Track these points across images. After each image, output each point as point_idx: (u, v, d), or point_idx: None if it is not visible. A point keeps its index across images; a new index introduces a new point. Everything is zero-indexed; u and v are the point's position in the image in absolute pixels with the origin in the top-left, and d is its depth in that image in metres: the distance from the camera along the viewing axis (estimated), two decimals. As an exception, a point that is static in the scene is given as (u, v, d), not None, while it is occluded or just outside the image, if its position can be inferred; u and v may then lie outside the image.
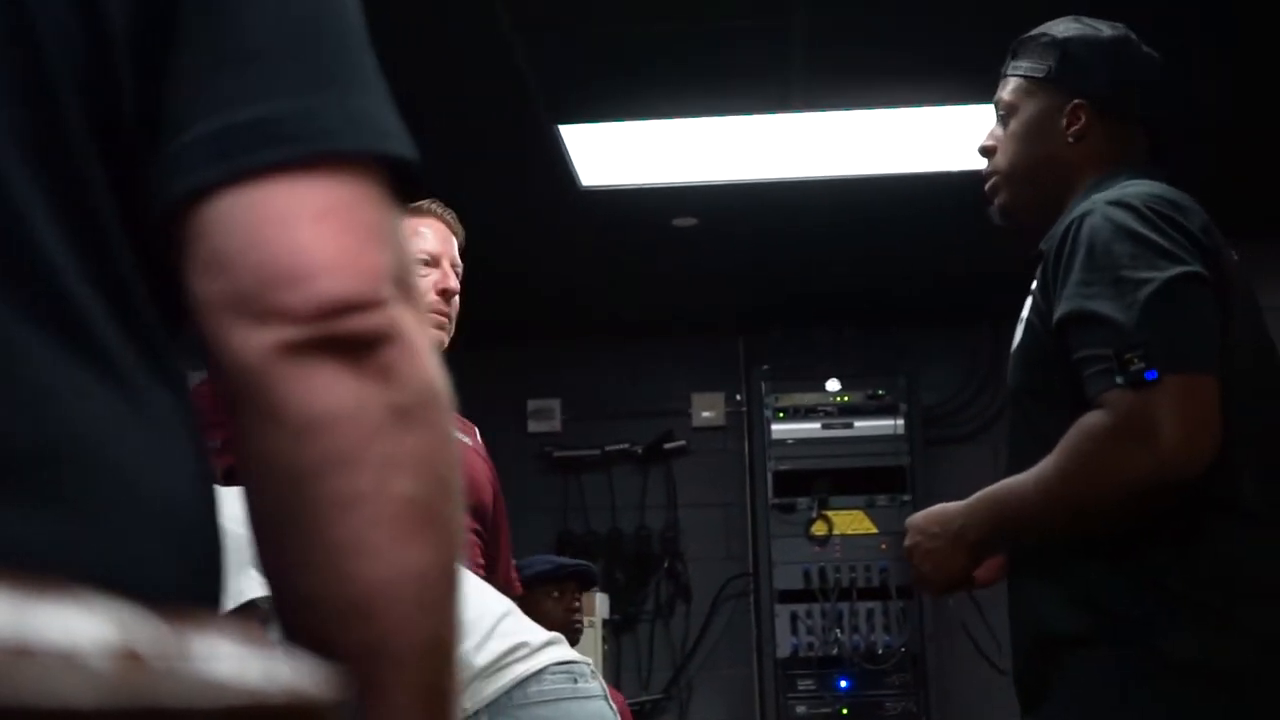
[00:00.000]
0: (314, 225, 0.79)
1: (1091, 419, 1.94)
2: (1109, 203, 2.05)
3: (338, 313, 0.78)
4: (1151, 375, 1.89)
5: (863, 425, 6.13)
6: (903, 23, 3.76)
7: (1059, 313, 2.02)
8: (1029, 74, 2.29)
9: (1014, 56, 2.33)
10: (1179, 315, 1.94)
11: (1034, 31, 2.32)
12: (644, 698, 6.21)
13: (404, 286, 0.81)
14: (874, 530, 6.02)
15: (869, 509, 6.01)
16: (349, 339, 0.78)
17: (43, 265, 0.76)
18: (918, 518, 2.21)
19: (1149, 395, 1.89)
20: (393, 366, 0.79)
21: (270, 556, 0.81)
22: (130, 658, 0.39)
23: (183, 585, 0.75)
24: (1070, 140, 2.24)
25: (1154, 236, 1.99)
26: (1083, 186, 2.20)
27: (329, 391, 0.78)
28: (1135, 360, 1.90)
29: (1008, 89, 2.32)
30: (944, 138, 4.39)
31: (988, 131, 2.36)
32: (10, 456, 0.70)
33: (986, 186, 2.35)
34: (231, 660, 0.41)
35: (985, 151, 2.35)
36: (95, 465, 0.74)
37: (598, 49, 3.86)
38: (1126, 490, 1.92)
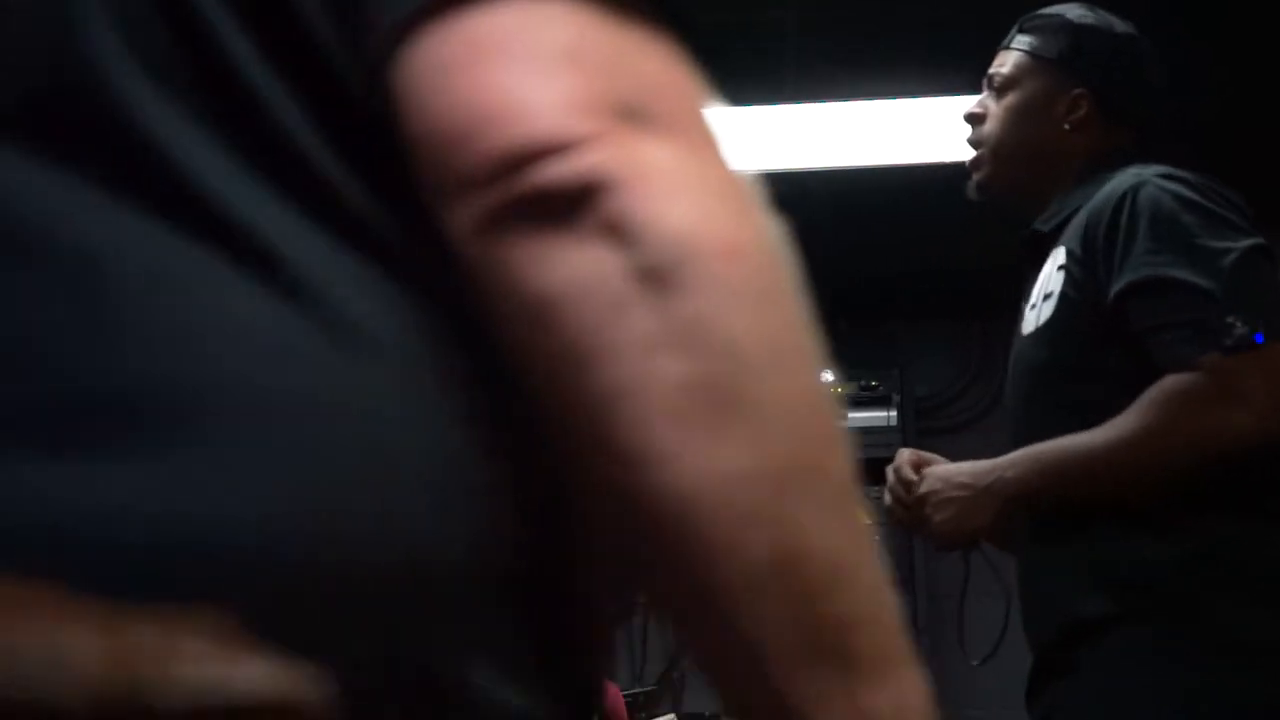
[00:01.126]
0: (473, 70, 0.62)
1: (1184, 381, 1.91)
2: (1161, 175, 2.04)
3: (519, 165, 0.60)
4: (1260, 338, 1.88)
5: (856, 416, 6.14)
6: (894, 13, 3.76)
7: (1122, 282, 1.98)
8: (1036, 52, 2.26)
9: (1021, 31, 2.30)
10: (1262, 284, 1.95)
11: (1047, 11, 2.29)
12: (637, 689, 6.21)
13: (639, 115, 0.63)
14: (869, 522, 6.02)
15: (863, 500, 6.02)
16: (545, 195, 0.60)
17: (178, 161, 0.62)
18: (939, 471, 2.17)
19: (1248, 359, 1.88)
20: (624, 218, 0.60)
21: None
22: (118, 659, 0.39)
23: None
24: (1066, 128, 2.22)
25: (1217, 208, 2.00)
26: (1072, 173, 2.19)
27: (543, 266, 0.60)
28: (1237, 324, 1.89)
29: (1009, 62, 2.29)
30: (937, 129, 4.39)
31: (977, 99, 2.33)
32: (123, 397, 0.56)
33: (969, 160, 2.32)
34: (219, 662, 0.41)
35: (973, 119, 2.32)
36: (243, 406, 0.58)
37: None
38: (1225, 452, 1.90)
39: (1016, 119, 2.26)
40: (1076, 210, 2.12)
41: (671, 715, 5.66)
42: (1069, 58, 2.23)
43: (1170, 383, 1.93)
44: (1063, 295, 2.10)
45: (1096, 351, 2.04)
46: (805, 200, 5.04)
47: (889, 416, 6.11)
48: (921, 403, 6.30)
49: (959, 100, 4.18)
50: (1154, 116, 2.27)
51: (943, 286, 5.99)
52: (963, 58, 3.74)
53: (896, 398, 6.17)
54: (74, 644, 0.39)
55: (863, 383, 6.19)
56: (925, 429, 6.25)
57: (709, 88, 0.66)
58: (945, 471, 2.16)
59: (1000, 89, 2.29)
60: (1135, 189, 2.03)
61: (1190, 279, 1.92)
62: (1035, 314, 2.16)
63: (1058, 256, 2.13)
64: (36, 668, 0.38)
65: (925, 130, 4.44)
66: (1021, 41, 2.28)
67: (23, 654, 0.38)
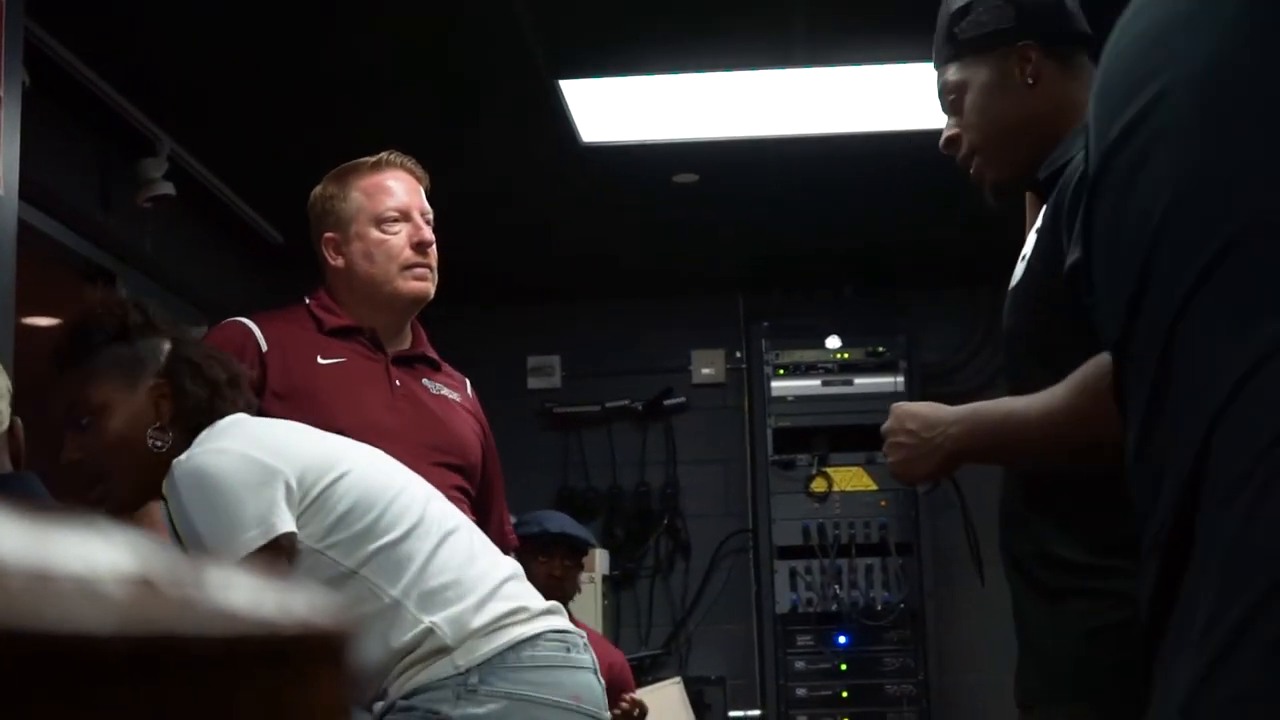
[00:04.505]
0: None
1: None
2: None
3: None
4: None
5: (862, 382, 6.14)
6: (905, -23, 3.74)
7: (1075, 255, 1.97)
8: (964, 56, 2.24)
9: (947, 42, 2.29)
10: None
11: (944, 15, 2.28)
12: (643, 653, 6.24)
13: None
14: (873, 487, 6.03)
15: (868, 466, 6.02)
16: None
17: None
18: (905, 409, 2.18)
19: None
20: None
21: None
22: (145, 585, 0.39)
23: None
24: (1030, 83, 2.18)
25: None
26: (1065, 129, 2.14)
27: None
28: None
29: (950, 71, 2.28)
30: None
31: (943, 133, 2.32)
32: None
33: (971, 174, 2.30)
34: (245, 591, 0.42)
35: (950, 143, 2.30)
36: None
37: (599, 4, 3.84)
38: None
39: (986, 110, 2.24)
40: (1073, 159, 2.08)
41: (677, 679, 5.68)
42: (1001, 29, 2.20)
43: (1103, 361, 1.89)
44: (1030, 261, 2.09)
45: (1050, 322, 2.03)
46: (815, 166, 5.03)
47: (896, 382, 6.11)
48: (929, 369, 6.29)
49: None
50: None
51: (951, 253, 5.98)
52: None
53: (903, 363, 6.16)
54: (107, 572, 0.39)
55: (870, 348, 6.18)
56: (932, 395, 6.22)
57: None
58: (903, 411, 2.16)
59: (956, 100, 2.27)
60: None
61: None
62: (1015, 272, 2.16)
63: (1043, 214, 2.11)
64: (68, 597, 0.38)
65: (933, 96, 4.42)
66: (949, 50, 2.26)
67: (55, 583, 0.38)
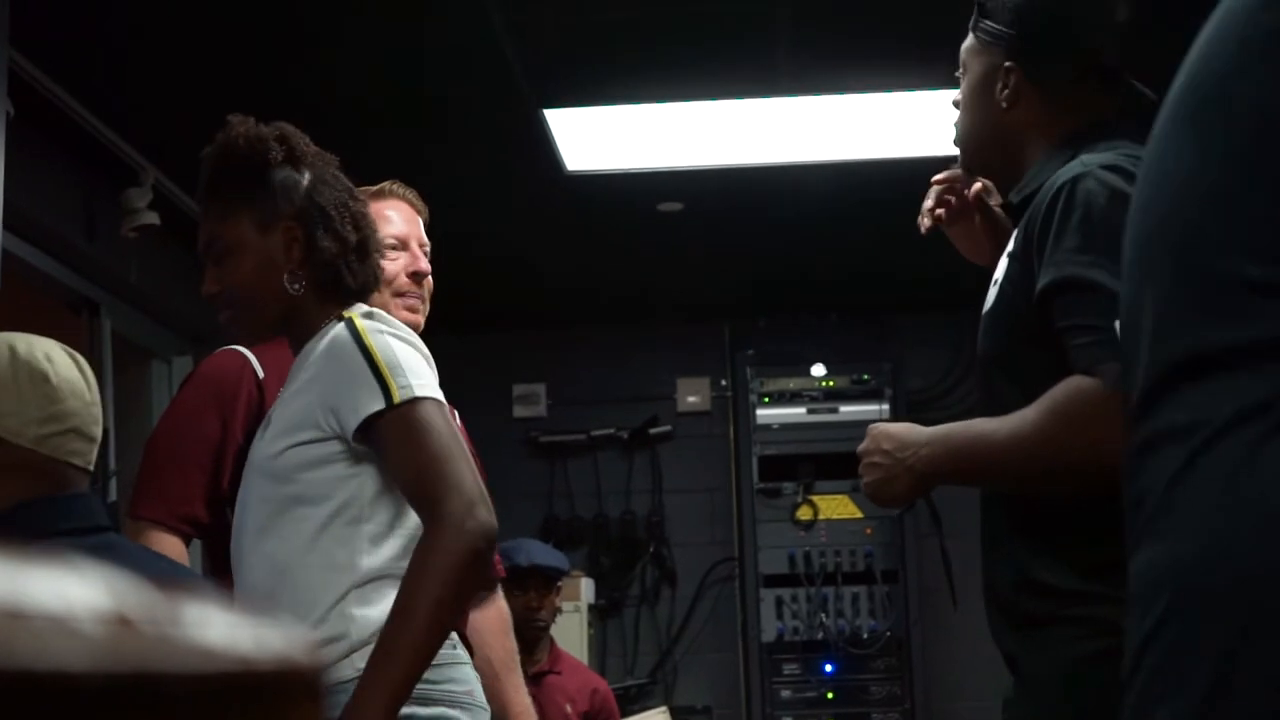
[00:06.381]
0: None
1: (1085, 384, 1.88)
2: (1104, 167, 1.99)
3: None
4: None
5: (848, 410, 6.14)
6: (890, 5, 3.76)
7: (1045, 279, 1.95)
8: (980, 33, 2.22)
9: (975, 12, 2.28)
10: None
11: None
12: (629, 682, 6.22)
13: None
14: (859, 515, 6.03)
15: (854, 493, 6.02)
16: None
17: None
18: (881, 430, 2.18)
19: None
20: None
21: None
22: (121, 623, 0.39)
23: None
24: (1004, 106, 2.17)
25: None
26: (1037, 149, 2.14)
27: None
28: None
29: (965, 45, 2.28)
30: (931, 122, 4.39)
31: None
32: None
33: (954, 141, 2.33)
34: (222, 628, 0.42)
35: (955, 105, 2.32)
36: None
37: (583, 33, 3.85)
38: (1113, 460, 1.90)
39: (966, 108, 2.25)
40: (1043, 185, 2.07)
41: (663, 708, 5.67)
42: (999, 32, 2.18)
43: (1072, 384, 1.90)
44: (1002, 285, 2.10)
45: (1020, 347, 2.04)
46: (799, 194, 5.04)
47: (881, 410, 6.11)
48: (914, 396, 6.30)
49: (953, 94, 4.19)
50: (1112, 59, 2.18)
51: (935, 280, 5.99)
52: (959, 52, 3.75)
53: (889, 391, 6.17)
54: (83, 610, 0.39)
55: (855, 376, 6.19)
56: (917, 422, 6.23)
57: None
58: (879, 432, 2.17)
59: (962, 76, 2.28)
60: (1074, 181, 1.97)
61: (1110, 283, 1.84)
62: (988, 296, 2.17)
63: (1014, 239, 2.11)
64: (44, 634, 0.38)
65: (917, 124, 4.44)
66: (973, 23, 2.25)
67: (31, 620, 0.38)
